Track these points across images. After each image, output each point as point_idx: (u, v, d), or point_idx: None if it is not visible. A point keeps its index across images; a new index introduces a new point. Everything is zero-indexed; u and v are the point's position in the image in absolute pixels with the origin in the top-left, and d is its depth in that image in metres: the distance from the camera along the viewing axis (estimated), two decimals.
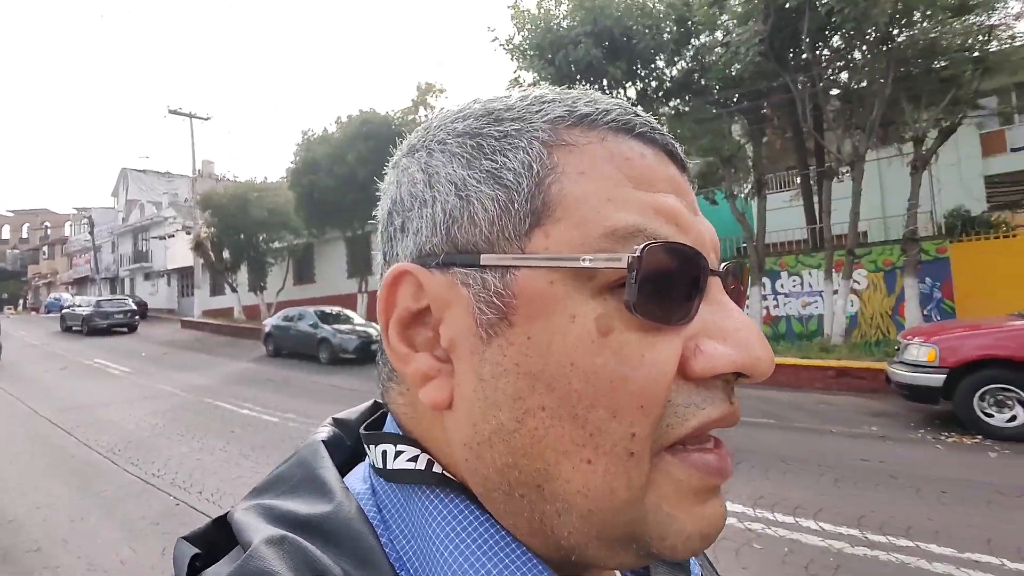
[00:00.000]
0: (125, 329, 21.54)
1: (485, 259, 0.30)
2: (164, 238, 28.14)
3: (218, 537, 0.31)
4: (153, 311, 29.76)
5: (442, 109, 0.38)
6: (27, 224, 75.88)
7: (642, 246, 0.27)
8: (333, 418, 0.40)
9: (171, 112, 24.85)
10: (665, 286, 0.28)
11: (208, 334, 20.51)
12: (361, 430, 0.36)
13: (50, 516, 4.36)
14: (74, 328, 21.80)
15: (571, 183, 0.30)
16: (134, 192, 39.06)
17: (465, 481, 0.31)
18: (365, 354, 12.27)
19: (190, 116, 24.98)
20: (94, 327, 20.76)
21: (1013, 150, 14.70)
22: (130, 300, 24.02)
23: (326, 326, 13.24)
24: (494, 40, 10.78)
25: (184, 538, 0.31)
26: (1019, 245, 10.99)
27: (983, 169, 14.67)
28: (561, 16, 9.86)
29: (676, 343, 0.28)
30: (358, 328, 13.22)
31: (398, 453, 0.32)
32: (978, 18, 8.34)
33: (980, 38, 8.46)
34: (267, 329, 14.73)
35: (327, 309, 14.48)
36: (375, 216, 0.37)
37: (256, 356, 14.50)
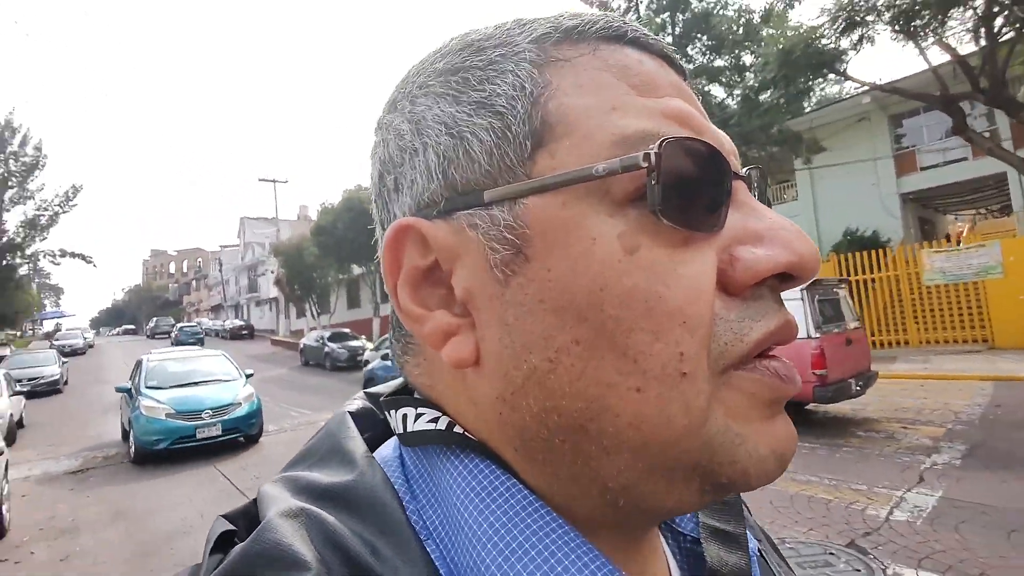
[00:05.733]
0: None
1: (489, 195, 0.27)
2: (262, 275, 36.55)
3: (256, 514, 0.31)
4: (259, 331, 38.64)
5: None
6: (186, 261, 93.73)
7: (659, 140, 0.25)
8: (365, 392, 0.39)
9: (260, 180, 32.73)
10: (690, 188, 0.26)
11: (282, 348, 27.68)
12: (382, 397, 0.35)
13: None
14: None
15: (569, 97, 0.28)
16: (249, 236, 49.26)
17: (490, 442, 0.29)
18: (354, 363, 17.57)
19: (273, 181, 32.66)
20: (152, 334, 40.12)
21: (923, 169, 16.35)
22: (171, 319, 47.78)
23: (331, 343, 18.92)
24: None
25: (223, 516, 0.31)
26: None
27: (898, 188, 16.35)
28: None
29: (710, 255, 0.26)
30: (351, 344, 18.65)
31: (419, 415, 0.31)
32: None
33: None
34: (301, 346, 21.16)
35: (339, 330, 20.30)
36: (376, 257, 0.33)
37: (294, 365, 20.65)
